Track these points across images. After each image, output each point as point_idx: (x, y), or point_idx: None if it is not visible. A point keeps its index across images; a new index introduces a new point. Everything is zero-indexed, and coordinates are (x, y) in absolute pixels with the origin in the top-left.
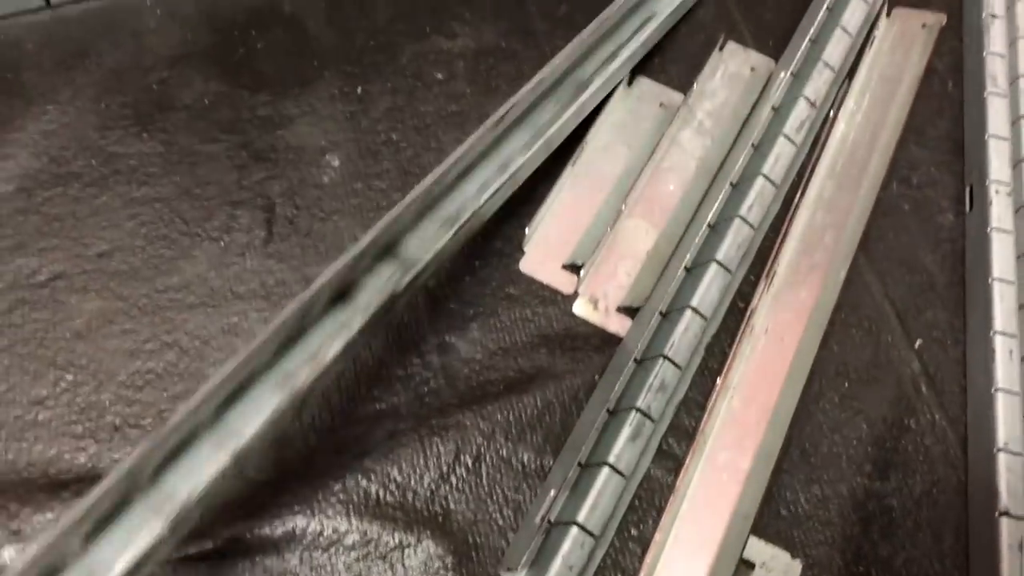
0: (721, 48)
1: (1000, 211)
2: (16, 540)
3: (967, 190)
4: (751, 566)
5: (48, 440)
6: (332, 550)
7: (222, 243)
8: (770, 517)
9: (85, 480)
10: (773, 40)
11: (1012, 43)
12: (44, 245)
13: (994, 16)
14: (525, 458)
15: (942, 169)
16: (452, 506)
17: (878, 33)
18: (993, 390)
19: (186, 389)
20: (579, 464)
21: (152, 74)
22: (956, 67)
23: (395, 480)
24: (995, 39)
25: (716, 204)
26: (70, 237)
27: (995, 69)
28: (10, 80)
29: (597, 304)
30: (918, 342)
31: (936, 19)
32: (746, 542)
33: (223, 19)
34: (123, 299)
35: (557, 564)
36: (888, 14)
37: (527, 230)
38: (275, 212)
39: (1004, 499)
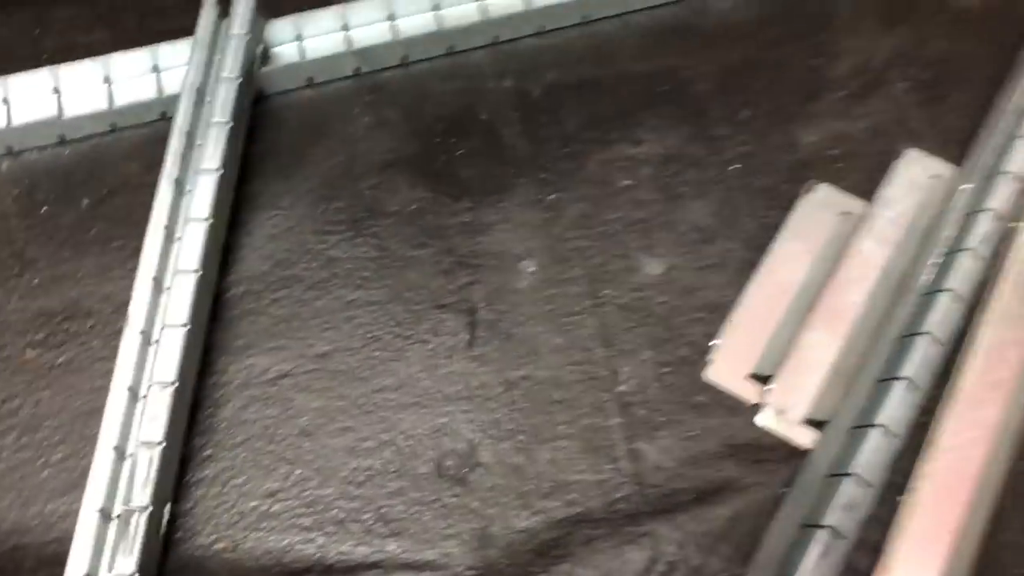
0: (902, 155)
1: None
2: None
3: None
4: None
5: (281, 531)
6: None
7: (430, 345)
8: None
9: (314, 570)
10: (956, 145)
11: None
12: (272, 345)
13: None
14: (716, 568)
15: None
16: None
17: None
18: None
19: (400, 487)
20: None
21: (363, 181)
22: None
23: None
24: None
25: (903, 318)
26: (295, 338)
27: None
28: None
29: (783, 415)
30: None
31: None
32: None
33: (425, 127)
34: (343, 398)
35: None
36: None
37: (716, 340)
38: (477, 316)
39: None
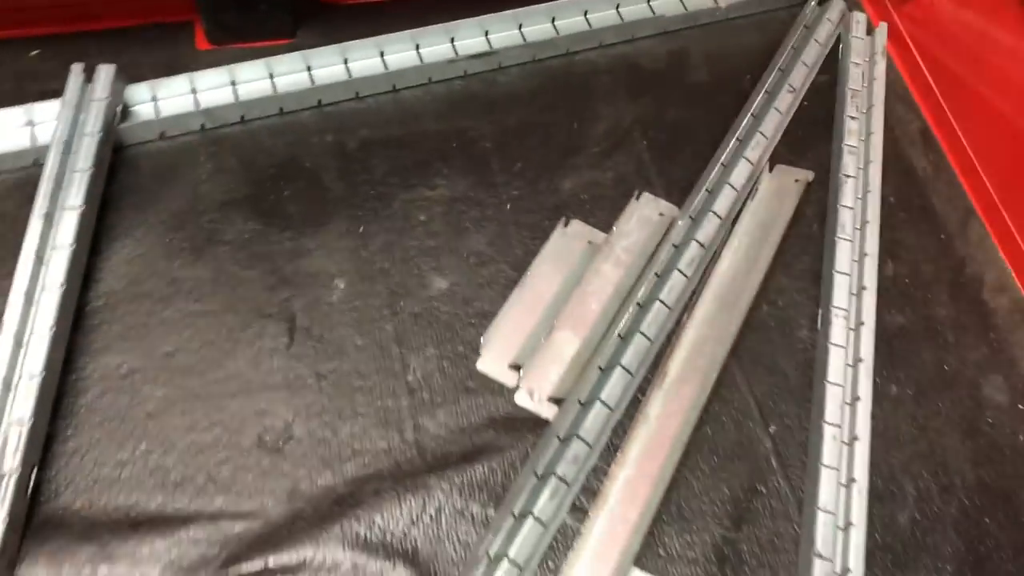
0: (637, 198)
1: (837, 330)
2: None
3: (819, 312)
4: None
5: (128, 492)
6: (331, 574)
7: (256, 346)
8: (651, 556)
9: (155, 521)
10: (679, 191)
11: (861, 197)
12: (124, 347)
13: (847, 176)
14: (474, 510)
15: (802, 295)
16: (419, 544)
17: (760, 185)
18: (820, 464)
19: (228, 456)
20: (512, 515)
21: (204, 216)
22: (822, 213)
23: (378, 524)
24: (847, 194)
25: (624, 321)
26: (144, 341)
27: (845, 218)
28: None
29: (533, 395)
30: (772, 427)
31: (805, 176)
32: (630, 572)
33: (258, 173)
34: (182, 388)
35: None
36: (771, 170)
37: (482, 338)
38: (296, 323)
39: (818, 544)
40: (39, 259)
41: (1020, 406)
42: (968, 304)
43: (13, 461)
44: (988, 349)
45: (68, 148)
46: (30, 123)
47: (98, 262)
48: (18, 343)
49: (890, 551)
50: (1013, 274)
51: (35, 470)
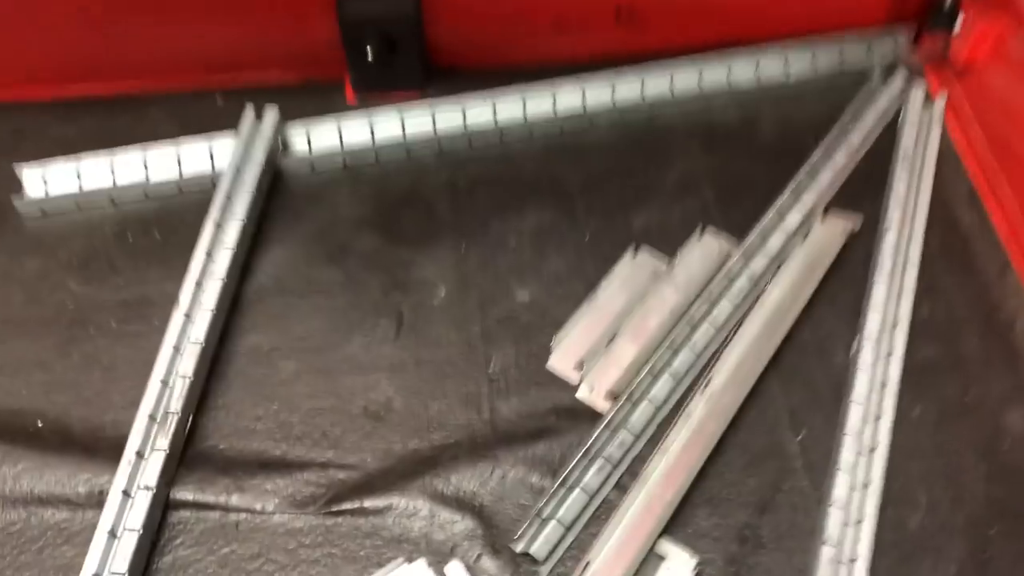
0: (701, 233)
1: (867, 356)
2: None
3: (855, 341)
4: (661, 557)
5: (260, 440)
6: (413, 518)
7: (369, 336)
8: (679, 531)
9: (279, 463)
10: (739, 232)
11: (905, 245)
12: (267, 330)
13: (892, 224)
14: (533, 479)
15: (843, 326)
16: (485, 502)
17: (812, 230)
18: (836, 468)
19: (338, 419)
20: (564, 485)
21: (339, 232)
22: (868, 257)
23: (453, 483)
24: (889, 240)
25: (676, 335)
26: (283, 327)
27: (885, 260)
28: (257, 229)
29: (592, 391)
30: (801, 435)
31: (854, 222)
32: (658, 541)
33: (385, 200)
34: (309, 364)
35: (541, 541)
36: (823, 219)
37: (553, 341)
38: (403, 319)
39: (827, 532)
40: (209, 256)
41: None
42: (996, 342)
43: (177, 405)
44: (1012, 383)
45: (239, 173)
46: (211, 153)
47: (254, 262)
48: (188, 317)
49: (897, 548)
50: None
51: (191, 417)
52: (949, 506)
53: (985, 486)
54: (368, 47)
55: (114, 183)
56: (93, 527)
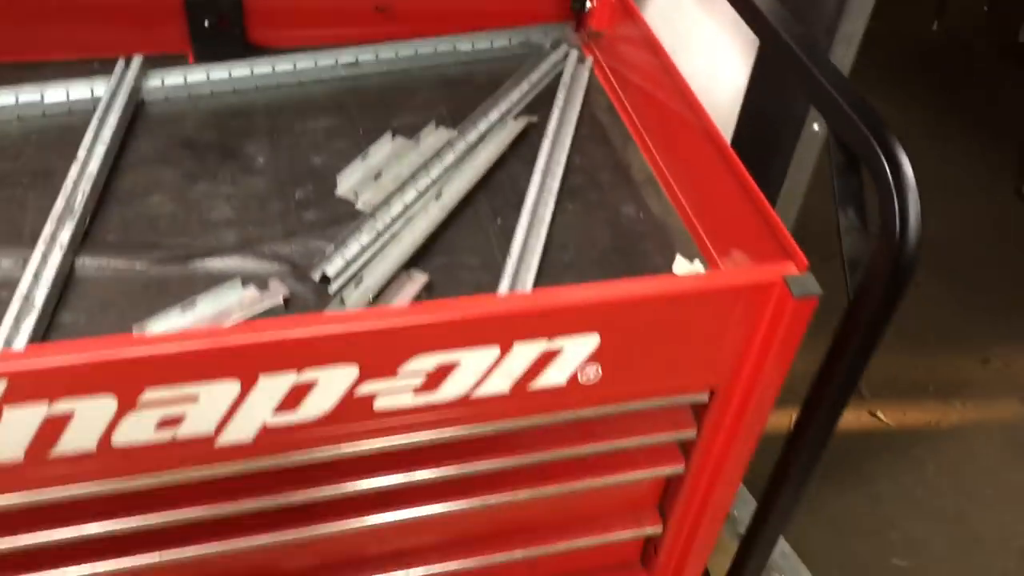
0: (436, 127)
1: (535, 179)
2: None
3: (532, 174)
4: (409, 277)
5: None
6: (244, 269)
7: (213, 184)
8: (424, 264)
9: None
10: (461, 128)
11: (559, 130)
12: (141, 182)
13: (551, 120)
14: (328, 248)
15: (525, 167)
16: (296, 259)
17: (507, 123)
18: (516, 231)
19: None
20: (343, 243)
21: (188, 131)
22: (542, 136)
23: (269, 251)
24: (551, 127)
25: (418, 172)
26: (152, 179)
27: (549, 135)
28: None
29: (364, 203)
30: (498, 221)
31: (532, 120)
32: (406, 268)
33: (219, 115)
34: (174, 199)
35: (331, 268)
36: (515, 119)
37: (338, 177)
38: (236, 178)
39: (506, 265)
40: (93, 142)
41: (641, 215)
42: (619, 174)
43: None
44: (626, 193)
45: (113, 97)
46: (91, 89)
47: (127, 149)
48: (81, 173)
49: (552, 272)
50: (647, 161)
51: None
52: (587, 250)
53: (610, 240)
54: (206, 21)
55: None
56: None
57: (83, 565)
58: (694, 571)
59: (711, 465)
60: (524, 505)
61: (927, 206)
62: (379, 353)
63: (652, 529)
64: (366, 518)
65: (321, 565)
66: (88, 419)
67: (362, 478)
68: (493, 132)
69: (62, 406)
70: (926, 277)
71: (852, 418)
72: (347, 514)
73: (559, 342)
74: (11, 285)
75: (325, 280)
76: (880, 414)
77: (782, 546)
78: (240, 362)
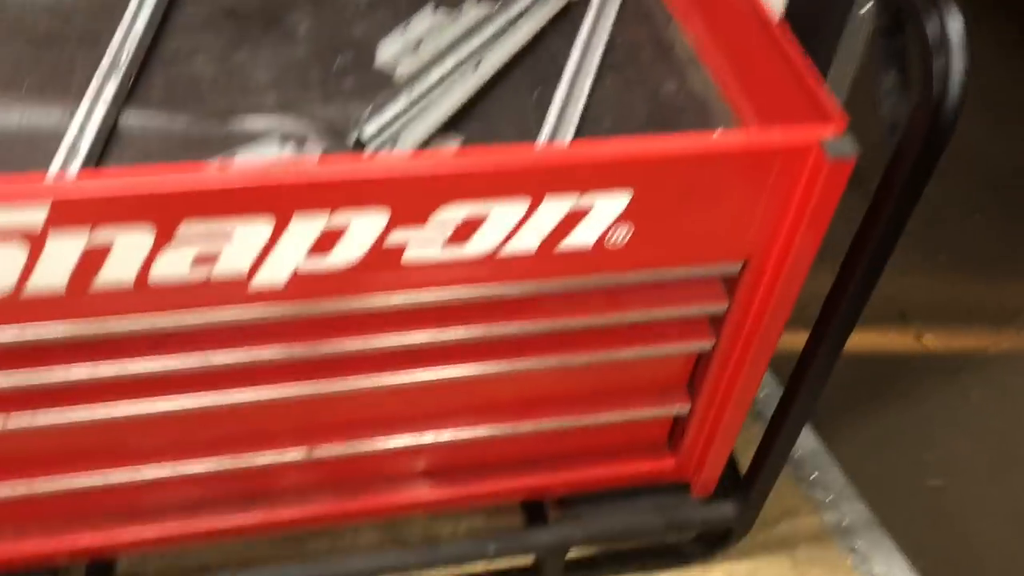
0: None
1: (575, 54)
2: None
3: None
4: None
5: None
6: (294, 131)
7: (256, 51)
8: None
9: None
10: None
11: (601, 8)
12: (190, 44)
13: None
14: (367, 110)
15: (566, 42)
16: (336, 121)
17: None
18: (554, 104)
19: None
20: (381, 107)
21: (228, 4)
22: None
23: (308, 114)
24: (593, 5)
25: (461, 42)
26: (202, 43)
27: (592, 10)
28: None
29: (405, 71)
30: (536, 92)
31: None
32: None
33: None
34: (222, 66)
35: (368, 131)
36: None
37: (378, 48)
38: (279, 41)
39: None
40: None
41: (681, 92)
42: (661, 52)
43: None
44: (667, 70)
45: None
46: None
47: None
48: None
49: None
50: (690, 42)
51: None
52: (625, 123)
53: (647, 112)
54: None
55: None
56: None
57: (120, 403)
58: (720, 454)
59: (741, 341)
60: (552, 375)
61: (997, 127)
62: (411, 199)
63: (680, 407)
64: (395, 374)
65: (347, 422)
66: (127, 252)
67: (391, 332)
68: (535, 7)
69: (102, 236)
70: (988, 204)
71: (899, 342)
72: (375, 370)
73: (590, 198)
74: (59, 137)
75: (360, 144)
76: (928, 339)
77: (814, 443)
78: (275, 199)
